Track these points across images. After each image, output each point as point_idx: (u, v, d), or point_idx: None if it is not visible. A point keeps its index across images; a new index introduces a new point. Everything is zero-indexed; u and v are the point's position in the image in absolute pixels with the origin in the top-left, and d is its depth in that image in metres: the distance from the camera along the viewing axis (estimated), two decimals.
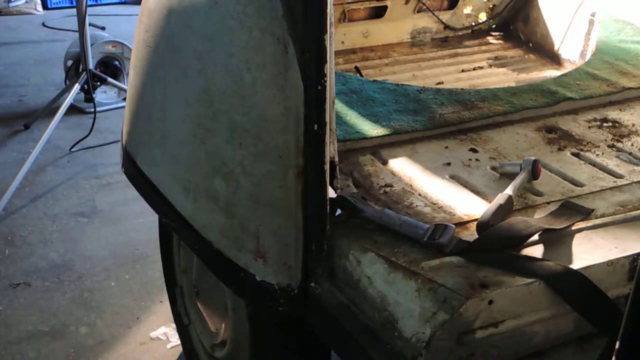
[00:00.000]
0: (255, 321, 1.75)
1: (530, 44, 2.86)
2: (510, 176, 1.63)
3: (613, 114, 2.01)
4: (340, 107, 1.83)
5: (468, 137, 1.85)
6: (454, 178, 1.66)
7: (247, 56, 1.38)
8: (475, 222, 1.45)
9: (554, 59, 2.74)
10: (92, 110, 4.00)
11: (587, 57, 2.57)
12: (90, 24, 4.20)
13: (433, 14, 2.87)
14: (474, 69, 2.70)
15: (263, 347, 1.79)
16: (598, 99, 2.05)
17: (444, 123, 1.86)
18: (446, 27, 2.93)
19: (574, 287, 1.32)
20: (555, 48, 2.73)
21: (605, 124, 1.95)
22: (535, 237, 1.41)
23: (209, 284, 1.96)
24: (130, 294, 2.74)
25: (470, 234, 1.43)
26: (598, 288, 1.33)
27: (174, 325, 2.40)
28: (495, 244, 1.38)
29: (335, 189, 1.49)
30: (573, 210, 1.51)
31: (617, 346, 0.89)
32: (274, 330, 1.75)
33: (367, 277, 1.37)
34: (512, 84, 2.45)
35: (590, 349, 1.38)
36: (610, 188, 1.64)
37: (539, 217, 1.49)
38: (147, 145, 1.77)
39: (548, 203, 1.57)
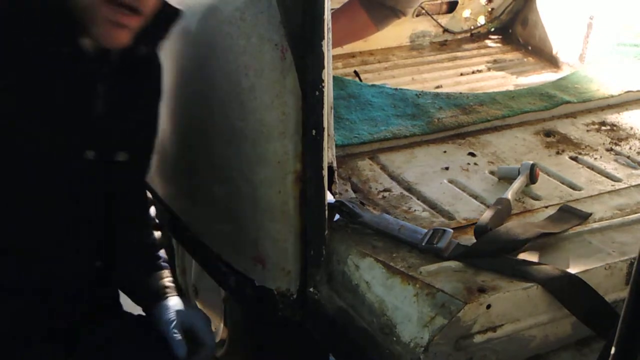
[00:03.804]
0: (253, 322, 1.76)
1: (529, 47, 2.86)
2: (509, 180, 1.64)
3: (611, 117, 2.01)
4: (338, 111, 1.84)
5: (466, 141, 1.85)
6: (453, 182, 1.67)
7: (245, 62, 1.38)
8: (474, 227, 1.45)
9: (553, 61, 2.74)
10: None
11: (586, 60, 2.57)
12: None
13: (432, 17, 2.88)
14: (473, 72, 2.70)
15: (260, 347, 1.80)
16: (596, 103, 2.05)
17: (443, 127, 1.86)
18: (445, 30, 2.93)
19: (572, 291, 1.33)
20: (554, 51, 2.74)
21: (603, 128, 1.95)
22: (533, 241, 1.41)
23: (208, 283, 1.97)
24: None
25: (468, 239, 1.44)
26: (596, 292, 1.34)
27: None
28: (493, 249, 1.38)
29: (333, 194, 1.50)
30: (571, 214, 1.52)
31: (613, 351, 0.90)
32: (271, 331, 1.76)
33: (365, 282, 1.37)
34: (511, 87, 2.45)
35: (589, 353, 1.39)
36: (609, 192, 1.65)
37: (537, 221, 1.50)
38: None
39: (546, 207, 1.57)
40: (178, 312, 1.45)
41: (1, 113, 1.20)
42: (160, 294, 1.48)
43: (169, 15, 1.34)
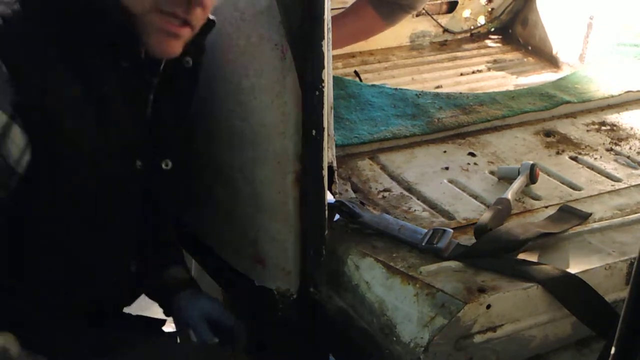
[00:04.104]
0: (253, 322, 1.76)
1: (529, 47, 2.86)
2: (509, 180, 1.64)
3: (611, 117, 2.01)
4: (338, 111, 1.84)
5: (466, 141, 1.85)
6: (453, 182, 1.67)
7: (245, 62, 1.38)
8: (474, 227, 1.45)
9: (553, 62, 2.74)
10: None
11: (586, 60, 2.57)
12: None
13: (432, 17, 2.88)
14: (473, 72, 2.70)
15: (261, 346, 1.80)
16: (596, 103, 2.05)
17: (443, 127, 1.86)
18: (445, 30, 2.93)
19: (572, 291, 1.33)
20: (554, 51, 2.74)
21: (603, 128, 1.96)
22: (533, 241, 1.41)
23: (208, 283, 1.97)
24: None
25: (468, 239, 1.44)
26: (596, 292, 1.34)
27: (173, 325, 2.39)
28: (493, 249, 1.38)
29: (333, 194, 1.50)
30: (571, 214, 1.52)
31: (613, 351, 0.90)
32: (271, 331, 1.75)
33: (365, 282, 1.37)
34: (511, 87, 2.45)
35: (589, 353, 1.39)
36: (609, 192, 1.65)
37: (537, 221, 1.50)
38: None
39: (546, 207, 1.57)
40: (199, 301, 1.49)
41: (61, 124, 1.17)
42: (178, 287, 1.51)
43: (207, 26, 1.33)
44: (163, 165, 1.37)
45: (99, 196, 1.28)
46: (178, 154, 1.40)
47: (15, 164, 1.10)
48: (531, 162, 1.64)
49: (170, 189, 1.43)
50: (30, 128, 1.13)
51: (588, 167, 1.75)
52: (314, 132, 1.35)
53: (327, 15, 1.31)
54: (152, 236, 1.46)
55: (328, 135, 1.38)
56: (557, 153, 1.81)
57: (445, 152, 1.80)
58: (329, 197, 1.45)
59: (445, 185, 1.66)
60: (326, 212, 1.42)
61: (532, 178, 1.63)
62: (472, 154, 1.79)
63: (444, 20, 2.92)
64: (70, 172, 1.22)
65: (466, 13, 2.95)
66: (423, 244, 1.39)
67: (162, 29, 1.22)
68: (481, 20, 2.98)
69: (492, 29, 3.01)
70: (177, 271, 1.56)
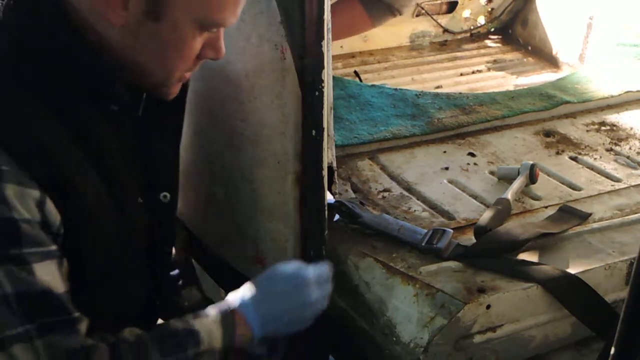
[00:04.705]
0: None
1: (529, 47, 2.86)
2: (509, 180, 1.64)
3: (611, 117, 2.01)
4: (338, 112, 1.84)
5: (466, 141, 1.85)
6: (452, 182, 1.67)
7: (245, 63, 1.38)
8: (473, 227, 1.45)
9: (553, 62, 2.74)
10: None
11: (586, 60, 2.57)
12: None
13: (432, 17, 2.87)
14: (473, 72, 2.70)
15: None
16: (596, 103, 2.06)
17: (442, 127, 1.86)
18: (445, 30, 2.93)
19: (572, 291, 1.33)
20: (554, 51, 2.74)
21: (603, 128, 1.96)
22: (533, 241, 1.41)
23: (208, 283, 1.97)
24: None
25: (468, 239, 1.44)
26: (596, 292, 1.34)
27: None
28: (493, 249, 1.38)
29: (333, 194, 1.50)
30: (571, 214, 1.52)
31: (613, 351, 0.90)
32: None
33: (365, 283, 1.37)
34: (511, 87, 2.45)
35: (588, 353, 1.39)
36: (608, 192, 1.65)
37: (537, 221, 1.50)
38: None
39: (546, 207, 1.57)
40: None
41: (72, 187, 1.14)
42: (195, 310, 1.50)
43: None
44: (162, 199, 1.36)
45: (115, 240, 1.26)
46: (175, 185, 1.39)
47: (57, 230, 1.14)
48: (531, 162, 1.65)
49: (170, 220, 1.42)
50: (51, 197, 1.13)
51: (588, 167, 1.75)
52: (313, 132, 1.35)
53: (327, 15, 1.31)
54: (161, 267, 1.45)
55: (328, 135, 1.38)
56: (557, 153, 1.81)
57: (445, 152, 1.80)
58: (329, 197, 1.45)
59: (445, 185, 1.66)
60: (326, 212, 1.42)
61: (532, 178, 1.63)
62: (472, 154, 1.79)
63: (444, 20, 2.92)
64: (86, 226, 1.20)
65: (466, 13, 2.95)
66: (423, 244, 1.40)
67: (182, 79, 1.23)
68: (481, 20, 2.98)
69: (492, 29, 3.01)
70: (190, 293, 1.55)
